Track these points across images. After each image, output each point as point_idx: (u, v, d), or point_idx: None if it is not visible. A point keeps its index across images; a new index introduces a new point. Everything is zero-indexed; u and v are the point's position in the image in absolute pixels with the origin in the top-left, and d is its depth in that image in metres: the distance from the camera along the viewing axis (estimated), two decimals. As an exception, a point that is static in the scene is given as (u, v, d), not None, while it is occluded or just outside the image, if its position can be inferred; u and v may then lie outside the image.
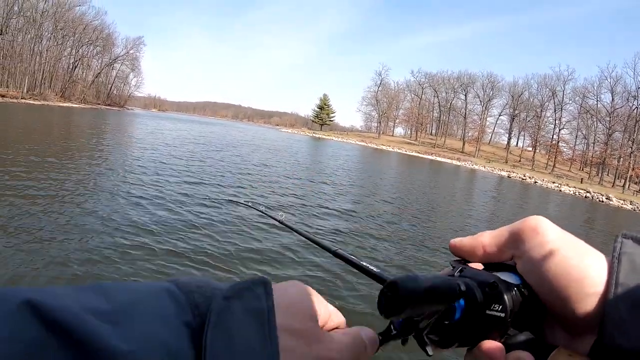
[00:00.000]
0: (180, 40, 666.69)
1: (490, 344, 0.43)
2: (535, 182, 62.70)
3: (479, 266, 0.52)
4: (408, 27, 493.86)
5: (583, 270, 0.42)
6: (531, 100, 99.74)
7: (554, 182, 63.51)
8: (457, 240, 0.53)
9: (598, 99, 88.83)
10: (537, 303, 0.45)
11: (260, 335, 0.35)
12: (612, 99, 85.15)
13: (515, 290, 0.45)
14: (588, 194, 55.87)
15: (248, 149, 34.74)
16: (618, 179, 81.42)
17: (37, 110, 50.94)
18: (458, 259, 0.53)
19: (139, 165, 16.34)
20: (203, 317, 0.35)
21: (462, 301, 0.45)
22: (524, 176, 67.88)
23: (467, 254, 0.52)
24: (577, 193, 56.71)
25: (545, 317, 0.45)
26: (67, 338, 0.27)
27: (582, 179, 74.62)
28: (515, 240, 0.47)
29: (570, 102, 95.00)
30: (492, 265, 0.51)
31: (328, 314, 0.47)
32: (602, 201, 52.56)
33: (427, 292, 0.41)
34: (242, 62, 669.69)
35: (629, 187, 75.21)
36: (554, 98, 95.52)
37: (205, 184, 14.57)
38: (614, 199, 54.32)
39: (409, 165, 52.57)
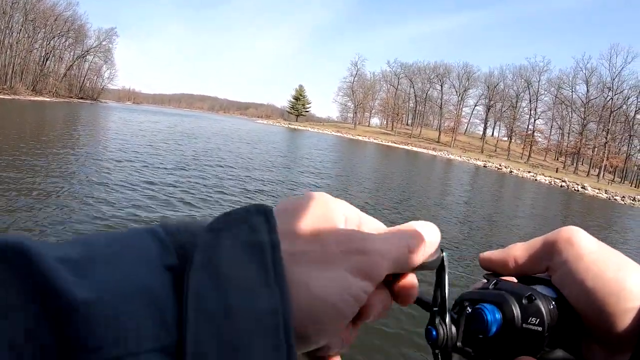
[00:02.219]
0: (155, 32, 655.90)
1: None
2: (511, 172, 62.27)
3: (512, 280, 0.49)
4: (385, 19, 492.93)
5: (621, 283, 0.40)
6: (507, 90, 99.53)
7: (529, 172, 63.14)
8: (487, 254, 0.51)
9: (573, 89, 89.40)
10: (574, 318, 0.42)
11: (261, 273, 0.30)
12: (587, 90, 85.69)
13: (553, 304, 0.43)
14: (564, 183, 56.04)
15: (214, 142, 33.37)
16: (593, 168, 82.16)
17: (5, 105, 48.50)
18: (489, 272, 0.51)
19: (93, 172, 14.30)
20: (189, 257, 0.31)
21: (497, 314, 0.43)
22: (500, 166, 67.55)
23: (499, 267, 0.50)
24: (552, 182, 56.74)
25: (582, 334, 0.43)
26: (28, 284, 0.25)
27: (557, 168, 74.68)
28: (550, 251, 0.45)
29: (546, 92, 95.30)
30: (525, 278, 0.48)
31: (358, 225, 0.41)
32: (578, 190, 52.78)
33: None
34: (218, 53, 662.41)
35: (603, 177, 75.95)
36: (529, 88, 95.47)
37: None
38: (589, 188, 54.60)
39: (384, 156, 51.96)
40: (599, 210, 33.18)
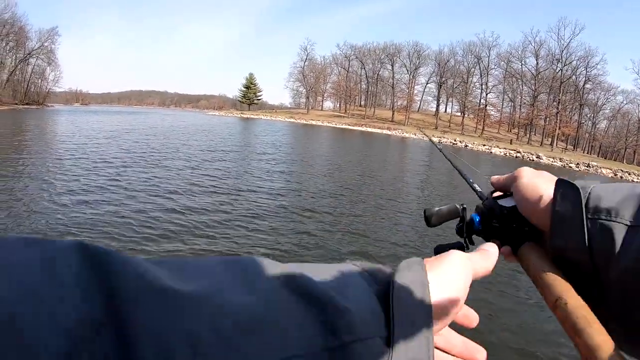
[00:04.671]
0: (97, 29, 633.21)
1: (491, 244, 0.64)
2: (467, 146, 61.70)
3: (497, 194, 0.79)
4: (334, 3, 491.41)
5: (540, 191, 0.65)
6: (457, 67, 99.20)
7: (484, 145, 62.67)
8: (493, 178, 0.80)
9: (523, 63, 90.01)
10: (522, 219, 0.68)
11: (421, 299, 0.45)
12: (537, 63, 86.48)
13: (506, 210, 0.71)
14: (518, 154, 56.09)
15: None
16: (546, 138, 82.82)
17: None
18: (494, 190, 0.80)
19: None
20: (385, 286, 0.46)
21: (477, 218, 0.76)
22: (455, 140, 67.09)
23: (496, 186, 0.79)
24: (507, 154, 56.53)
25: (529, 228, 0.68)
26: (311, 301, 0.39)
27: (511, 140, 75.00)
28: (511, 179, 0.73)
29: (496, 67, 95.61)
30: (506, 194, 0.76)
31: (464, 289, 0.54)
32: (533, 160, 53.15)
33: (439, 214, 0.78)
34: (164, 47, 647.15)
35: (556, 145, 77.11)
36: (479, 64, 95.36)
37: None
38: (543, 157, 54.93)
39: (339, 139, 50.97)
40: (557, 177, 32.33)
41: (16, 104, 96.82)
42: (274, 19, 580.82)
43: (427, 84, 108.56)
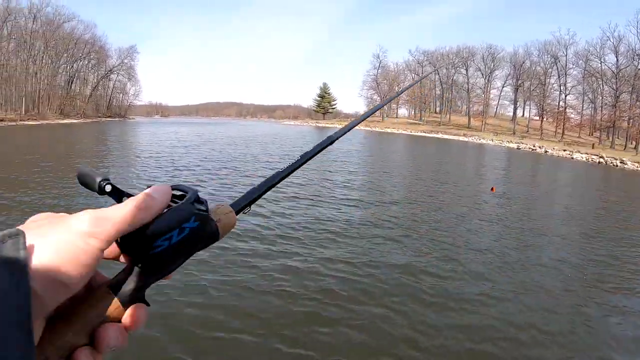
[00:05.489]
0: (175, 46, 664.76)
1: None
2: (546, 152, 61.78)
3: None
4: (403, 8, 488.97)
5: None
6: (533, 68, 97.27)
7: (565, 150, 62.27)
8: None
9: (602, 60, 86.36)
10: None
11: (12, 280, 0.37)
12: (617, 60, 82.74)
13: None
14: (601, 159, 54.61)
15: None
16: (629, 141, 79.69)
17: (35, 130, 51.08)
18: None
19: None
20: None
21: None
22: (534, 146, 66.86)
23: None
24: (589, 159, 55.48)
25: None
26: None
27: (593, 144, 73.41)
28: None
29: (574, 66, 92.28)
30: None
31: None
32: (617, 165, 51.12)
33: None
34: (240, 59, 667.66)
35: (642, 149, 73.37)
36: (556, 64, 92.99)
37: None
38: (628, 162, 52.28)
39: (415, 146, 52.46)
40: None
41: (99, 116, 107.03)
42: (345, 27, 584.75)
43: (503, 87, 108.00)
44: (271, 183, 0.73)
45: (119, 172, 17.48)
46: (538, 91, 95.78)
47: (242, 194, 0.66)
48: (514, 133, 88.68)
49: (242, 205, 0.63)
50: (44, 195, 11.69)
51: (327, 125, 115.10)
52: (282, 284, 6.79)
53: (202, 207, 0.57)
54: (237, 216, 0.59)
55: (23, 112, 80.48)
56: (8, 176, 14.55)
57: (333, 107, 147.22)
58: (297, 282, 6.91)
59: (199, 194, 0.57)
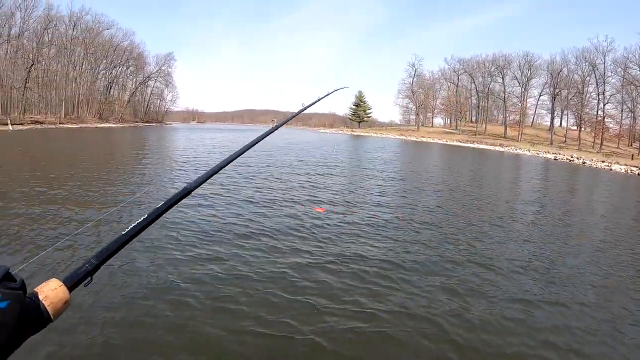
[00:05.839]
0: (212, 53, 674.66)
1: None
2: (584, 163, 61.29)
3: None
4: (437, 16, 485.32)
5: None
6: (571, 76, 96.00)
7: (603, 161, 61.57)
8: None
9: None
10: None
11: None
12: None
13: None
14: (641, 171, 53.69)
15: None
16: (670, 152, 78.35)
17: (76, 133, 55.20)
18: None
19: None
20: None
21: None
22: (572, 157, 66.53)
23: None
24: (629, 171, 53.74)
25: None
26: None
27: (632, 155, 72.55)
28: None
29: (612, 74, 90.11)
30: None
31: None
32: None
33: None
34: (276, 67, 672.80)
35: (683, 160, 71.88)
36: (594, 72, 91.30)
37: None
38: None
39: (451, 157, 52.29)
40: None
41: (137, 121, 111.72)
42: (378, 35, 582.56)
43: (540, 96, 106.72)
44: (123, 240, 0.68)
45: (156, 175, 18.60)
46: (576, 100, 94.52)
47: (78, 266, 0.60)
48: (551, 143, 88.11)
49: (79, 276, 0.56)
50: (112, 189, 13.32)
51: (362, 133, 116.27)
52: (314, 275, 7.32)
53: (14, 285, 0.50)
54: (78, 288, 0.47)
55: (62, 116, 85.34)
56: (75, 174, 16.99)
57: (369, 115, 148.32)
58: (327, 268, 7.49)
59: (9, 270, 0.50)
